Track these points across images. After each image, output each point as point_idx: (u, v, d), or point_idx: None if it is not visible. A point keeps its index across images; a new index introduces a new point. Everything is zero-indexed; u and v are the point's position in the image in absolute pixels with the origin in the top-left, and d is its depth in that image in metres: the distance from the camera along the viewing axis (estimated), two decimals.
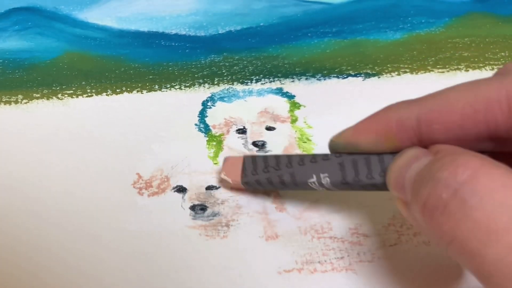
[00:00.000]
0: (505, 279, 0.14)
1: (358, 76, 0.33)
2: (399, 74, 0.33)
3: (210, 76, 0.33)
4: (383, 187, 0.21)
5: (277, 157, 0.24)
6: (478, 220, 0.15)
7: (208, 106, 0.31)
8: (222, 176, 0.26)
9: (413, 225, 0.22)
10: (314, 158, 0.23)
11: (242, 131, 0.30)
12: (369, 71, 0.33)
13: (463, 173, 0.16)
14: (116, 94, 0.32)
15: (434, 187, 0.16)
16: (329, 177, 0.22)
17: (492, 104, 0.18)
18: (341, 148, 0.22)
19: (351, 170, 0.22)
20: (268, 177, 0.24)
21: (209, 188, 0.27)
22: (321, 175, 0.22)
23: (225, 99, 0.32)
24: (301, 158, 0.23)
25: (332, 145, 0.23)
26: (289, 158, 0.23)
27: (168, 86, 0.33)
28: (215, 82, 0.33)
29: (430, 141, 0.19)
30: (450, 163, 0.16)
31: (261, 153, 0.25)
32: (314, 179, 0.22)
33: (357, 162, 0.22)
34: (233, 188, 0.27)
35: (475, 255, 0.15)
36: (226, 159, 0.26)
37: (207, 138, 0.30)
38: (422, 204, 0.17)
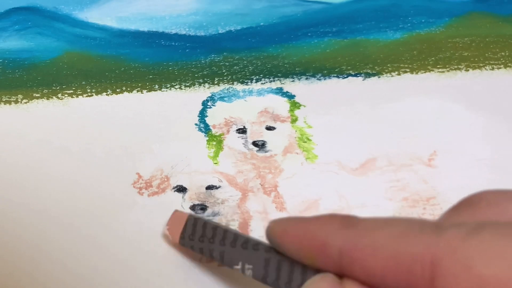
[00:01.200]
0: None
1: (358, 76, 0.33)
2: (399, 74, 0.33)
3: (210, 76, 0.33)
4: None
5: (214, 229, 0.23)
6: None
7: (208, 106, 0.31)
8: (165, 231, 0.25)
9: None
10: (245, 243, 0.22)
11: (242, 131, 0.30)
12: (369, 71, 0.33)
13: None
14: (116, 94, 0.32)
15: None
16: (253, 270, 0.21)
17: (415, 265, 0.16)
18: (271, 240, 0.21)
19: (273, 272, 0.21)
20: (201, 247, 0.23)
21: (209, 188, 0.27)
22: (246, 266, 0.22)
23: (225, 99, 0.32)
24: (235, 238, 0.22)
25: (267, 232, 0.21)
26: (225, 234, 0.23)
27: (168, 86, 0.33)
28: (215, 82, 0.33)
29: (350, 275, 0.18)
30: None
31: (205, 217, 0.24)
32: (239, 266, 0.22)
33: (281, 265, 0.21)
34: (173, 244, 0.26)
35: None
36: (174, 213, 0.25)
37: (207, 138, 0.30)
38: None
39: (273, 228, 0.21)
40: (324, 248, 0.18)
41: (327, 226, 0.19)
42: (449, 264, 0.15)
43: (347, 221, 0.18)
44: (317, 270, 0.19)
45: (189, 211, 0.27)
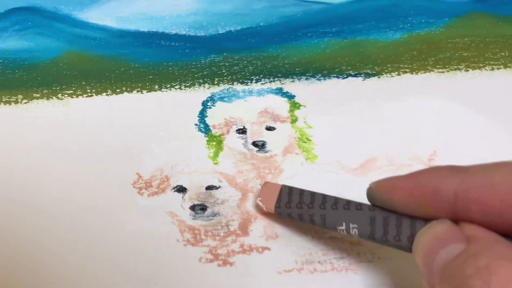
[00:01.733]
0: None
1: (358, 76, 0.33)
2: (399, 74, 0.33)
3: (210, 76, 0.33)
4: (409, 250, 0.21)
5: (312, 195, 0.24)
6: None
7: (208, 106, 0.31)
8: (258, 201, 0.25)
9: None
10: (347, 204, 0.23)
11: (242, 131, 0.30)
12: (369, 71, 0.33)
13: (496, 283, 0.15)
14: (116, 94, 0.32)
15: None
16: (358, 229, 0.22)
17: None
18: (376, 199, 0.22)
19: (381, 228, 0.21)
20: (300, 213, 0.24)
21: (209, 188, 0.27)
22: (351, 225, 0.22)
23: (225, 99, 0.32)
24: (335, 202, 0.23)
25: (369, 192, 0.22)
26: (324, 198, 0.23)
27: (168, 86, 0.33)
28: (215, 82, 0.33)
29: (465, 218, 0.18)
30: (484, 269, 0.15)
31: (298, 187, 0.24)
32: (343, 226, 0.22)
33: (388, 221, 0.21)
34: (265, 213, 0.26)
35: None
36: (265, 185, 0.26)
37: (207, 138, 0.30)
38: None
39: (378, 186, 0.21)
40: (438, 193, 0.19)
41: (437, 173, 0.19)
42: None
43: (456, 168, 0.19)
44: (426, 221, 0.20)
45: (189, 211, 0.27)
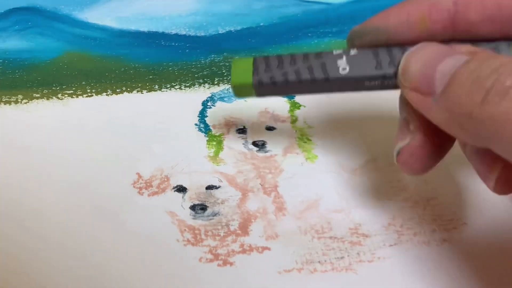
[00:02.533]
0: None
1: None
2: None
3: (210, 76, 0.33)
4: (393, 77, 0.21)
5: (292, 55, 0.22)
6: None
7: (208, 106, 0.31)
8: (232, 82, 0.23)
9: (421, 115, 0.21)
10: (329, 52, 0.22)
11: (242, 131, 0.30)
12: None
13: None
14: (116, 94, 0.32)
15: (501, 74, 0.16)
16: (350, 67, 0.21)
17: None
18: (364, 34, 0.22)
19: (373, 59, 0.21)
20: (285, 72, 0.22)
21: (209, 187, 0.27)
22: (340, 66, 0.22)
23: (225, 99, 0.32)
24: (317, 53, 0.22)
25: (356, 30, 0.22)
26: (305, 54, 0.22)
27: (168, 86, 0.33)
28: (215, 82, 0.33)
29: (465, 24, 0.19)
30: (504, 66, 0.16)
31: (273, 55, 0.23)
32: (333, 69, 0.22)
33: (378, 51, 0.21)
34: (243, 95, 0.24)
35: None
36: (234, 61, 0.23)
37: (207, 138, 0.30)
38: (482, 95, 0.16)
39: (367, 21, 0.22)
40: (437, 3, 0.19)
41: None
42: None
43: None
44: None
45: (189, 211, 0.27)
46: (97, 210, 0.26)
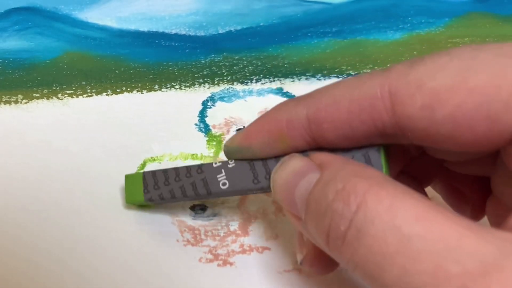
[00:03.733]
0: None
1: None
2: None
3: (210, 76, 0.33)
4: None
5: (176, 169, 0.24)
6: (372, 246, 0.15)
7: (208, 106, 0.31)
8: (126, 200, 0.25)
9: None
10: (209, 165, 0.23)
11: None
12: (369, 71, 0.33)
13: (354, 201, 0.16)
14: (116, 94, 0.32)
15: (333, 219, 0.16)
16: (228, 181, 0.22)
17: (376, 101, 0.18)
18: (233, 151, 0.22)
19: (243, 175, 0.22)
20: (171, 189, 0.23)
21: None
22: (220, 180, 0.23)
23: (225, 99, 0.32)
24: (199, 166, 0.23)
25: (227, 149, 0.23)
26: (188, 168, 0.23)
27: (168, 86, 0.33)
28: (215, 82, 0.33)
29: (322, 139, 0.19)
30: (342, 191, 0.16)
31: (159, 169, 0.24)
32: (213, 186, 0.23)
33: (242, 167, 0.22)
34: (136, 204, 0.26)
35: (376, 279, 0.15)
36: (126, 178, 0.25)
37: (207, 138, 0.30)
38: (325, 236, 0.17)
39: (233, 140, 0.22)
40: (292, 122, 0.20)
41: (286, 106, 0.20)
42: (404, 87, 0.17)
43: (301, 97, 0.20)
44: (277, 159, 0.21)
45: (189, 211, 0.27)
46: (97, 210, 0.26)
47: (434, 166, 0.23)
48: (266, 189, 0.22)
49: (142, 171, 0.25)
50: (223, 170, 0.23)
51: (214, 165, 0.23)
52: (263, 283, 0.24)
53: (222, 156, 0.29)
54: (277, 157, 0.21)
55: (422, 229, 0.15)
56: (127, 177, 0.25)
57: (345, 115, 0.18)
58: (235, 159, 0.22)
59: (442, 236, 0.14)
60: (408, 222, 0.15)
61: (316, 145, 0.20)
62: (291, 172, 0.19)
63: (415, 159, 0.23)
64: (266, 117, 0.21)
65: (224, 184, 0.22)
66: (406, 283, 0.14)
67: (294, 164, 0.19)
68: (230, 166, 0.22)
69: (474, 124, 0.16)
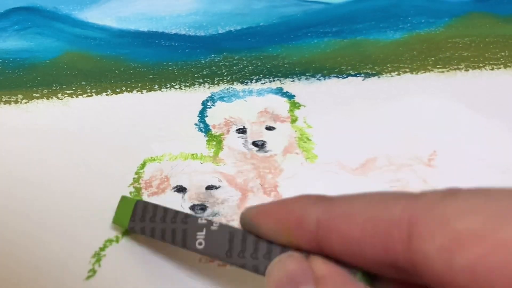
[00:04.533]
0: None
1: (358, 76, 0.33)
2: (399, 74, 0.33)
3: (210, 76, 0.33)
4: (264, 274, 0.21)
5: (166, 210, 0.23)
6: None
7: (208, 106, 0.31)
8: (113, 221, 0.25)
9: None
10: (195, 219, 0.22)
11: (242, 131, 0.30)
12: (369, 71, 0.33)
13: None
14: (116, 94, 0.32)
15: None
16: (204, 243, 0.22)
17: (393, 227, 0.16)
18: (246, 223, 0.21)
19: (237, 245, 0.21)
20: (153, 227, 0.23)
21: (209, 188, 0.27)
22: (198, 241, 0.22)
23: (225, 99, 0.32)
24: (186, 215, 0.23)
25: (243, 214, 0.21)
26: (176, 212, 0.23)
27: (168, 86, 0.33)
28: (215, 82, 0.33)
29: (327, 248, 0.18)
30: None
31: (153, 202, 0.24)
32: (191, 242, 0.22)
33: (233, 238, 0.21)
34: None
35: None
36: (121, 199, 0.25)
37: (207, 138, 0.30)
38: None
39: (249, 212, 0.21)
40: (301, 221, 0.18)
41: (303, 201, 0.19)
42: (426, 221, 0.15)
43: (322, 197, 0.19)
44: (283, 248, 0.20)
45: (189, 211, 0.27)
46: (97, 210, 0.26)
47: None
48: (237, 265, 0.21)
49: (137, 199, 0.25)
50: (204, 230, 0.22)
51: (199, 221, 0.22)
52: (263, 283, 0.24)
53: (222, 156, 0.29)
54: (270, 242, 0.20)
55: None
56: (123, 198, 0.25)
57: (357, 232, 0.17)
58: (244, 228, 0.21)
59: None
60: None
61: (319, 251, 0.18)
62: (285, 275, 0.18)
63: None
64: (283, 203, 0.20)
65: (200, 244, 0.22)
66: None
67: (291, 266, 0.18)
68: (212, 228, 0.22)
69: (494, 283, 0.14)
